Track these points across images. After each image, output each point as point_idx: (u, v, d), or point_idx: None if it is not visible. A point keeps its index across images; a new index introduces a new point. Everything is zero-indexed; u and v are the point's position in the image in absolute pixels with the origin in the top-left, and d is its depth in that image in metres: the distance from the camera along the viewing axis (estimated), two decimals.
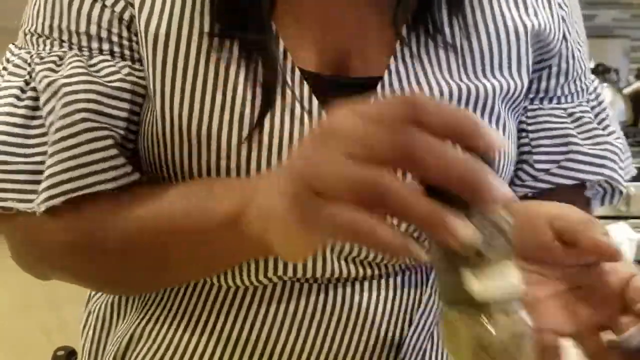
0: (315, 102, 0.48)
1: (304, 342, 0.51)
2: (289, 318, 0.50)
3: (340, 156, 0.31)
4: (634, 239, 1.39)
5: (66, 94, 0.47)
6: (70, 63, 0.48)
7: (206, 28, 0.48)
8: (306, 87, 0.48)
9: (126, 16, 0.49)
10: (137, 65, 0.50)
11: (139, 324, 0.53)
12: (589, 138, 0.58)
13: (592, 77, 0.63)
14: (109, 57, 0.49)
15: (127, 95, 0.49)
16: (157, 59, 0.48)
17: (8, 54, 0.52)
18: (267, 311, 0.50)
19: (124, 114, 0.49)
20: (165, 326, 0.52)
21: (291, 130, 0.47)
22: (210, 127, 0.47)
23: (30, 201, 0.47)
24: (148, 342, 0.52)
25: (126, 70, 0.49)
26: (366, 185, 0.31)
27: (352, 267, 0.50)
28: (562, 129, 0.57)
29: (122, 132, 0.49)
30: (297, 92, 0.48)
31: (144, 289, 0.53)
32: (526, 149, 0.58)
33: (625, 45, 2.10)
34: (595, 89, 0.63)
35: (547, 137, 0.57)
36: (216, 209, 0.43)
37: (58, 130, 0.46)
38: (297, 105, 0.48)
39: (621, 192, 0.60)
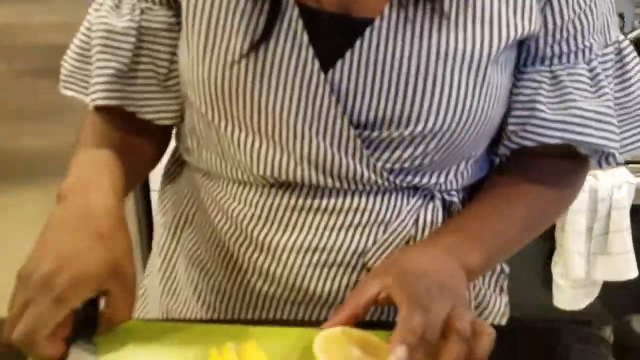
0: (305, 37, 0.56)
1: (281, 236, 0.62)
2: (273, 211, 0.62)
3: None
4: (633, 183, 1.42)
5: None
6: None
7: None
8: (301, 23, 0.56)
9: None
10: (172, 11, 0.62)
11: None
12: (559, 102, 0.59)
13: (614, 34, 0.62)
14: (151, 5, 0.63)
15: (166, 34, 0.63)
16: None
17: None
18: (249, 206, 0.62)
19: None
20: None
21: (281, 60, 0.56)
22: (215, 41, 0.58)
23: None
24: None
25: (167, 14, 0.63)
26: None
27: (329, 179, 0.59)
28: (531, 94, 0.60)
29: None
30: (292, 26, 0.56)
31: None
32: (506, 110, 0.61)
33: None
34: (617, 44, 0.62)
35: (519, 102, 0.61)
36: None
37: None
38: (290, 38, 0.56)
39: (613, 155, 0.61)
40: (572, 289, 1.49)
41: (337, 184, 0.59)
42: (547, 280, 1.53)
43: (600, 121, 0.59)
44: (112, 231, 0.53)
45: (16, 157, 1.55)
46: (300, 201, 0.61)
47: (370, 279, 0.54)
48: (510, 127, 0.61)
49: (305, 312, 0.65)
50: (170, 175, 0.75)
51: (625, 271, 1.43)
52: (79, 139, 0.66)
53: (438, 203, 0.63)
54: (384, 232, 0.61)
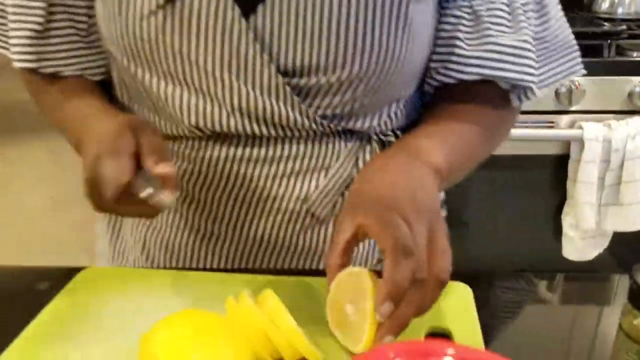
0: None
1: (223, 190, 0.62)
2: (212, 165, 0.62)
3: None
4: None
5: None
6: None
7: None
8: None
9: None
10: None
11: None
12: (477, 38, 0.60)
13: None
14: None
15: None
16: None
17: None
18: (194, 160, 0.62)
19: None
20: None
21: (199, 8, 0.54)
22: None
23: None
24: None
25: None
26: None
27: (264, 128, 0.59)
28: (451, 30, 0.60)
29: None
30: None
31: None
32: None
33: None
34: None
35: (440, 38, 0.61)
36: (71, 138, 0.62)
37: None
38: None
39: (531, 89, 0.62)
40: (581, 240, 1.48)
41: (273, 132, 0.59)
42: (556, 232, 1.52)
43: (517, 56, 0.59)
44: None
45: (21, 110, 1.54)
46: (239, 152, 0.61)
47: (343, 219, 0.51)
48: (432, 64, 0.62)
49: (255, 261, 0.66)
50: None
51: (637, 222, 1.42)
52: (46, 100, 0.68)
53: (375, 145, 0.64)
54: (325, 177, 0.62)
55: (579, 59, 0.68)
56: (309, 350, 0.47)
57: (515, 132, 1.40)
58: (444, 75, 0.62)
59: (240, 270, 0.63)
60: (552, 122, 1.43)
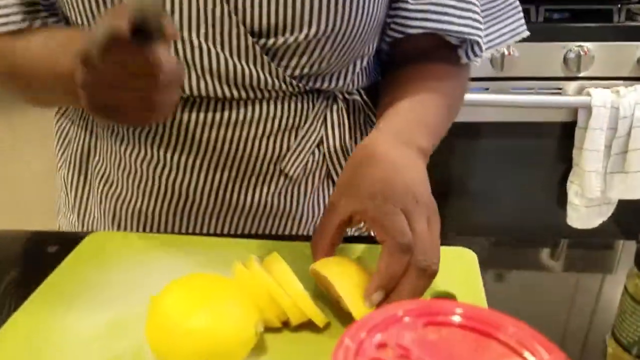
0: None
1: (196, 155, 0.62)
2: (183, 130, 0.61)
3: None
4: None
5: None
6: None
7: None
8: None
9: None
10: None
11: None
12: None
13: None
14: None
15: None
16: None
17: None
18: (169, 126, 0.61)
19: None
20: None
21: None
22: None
23: None
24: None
25: None
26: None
27: (234, 90, 0.59)
28: None
29: None
30: None
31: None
32: None
33: None
34: None
35: None
36: (60, 63, 0.53)
37: None
38: None
39: (478, 44, 0.65)
40: (586, 208, 1.48)
41: (243, 94, 0.60)
42: (561, 200, 1.52)
43: (461, 9, 0.62)
44: None
45: None
46: (209, 116, 0.61)
47: (337, 201, 0.51)
48: (388, 19, 0.65)
49: (231, 225, 0.67)
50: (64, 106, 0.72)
51: None
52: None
53: (341, 104, 0.66)
54: (295, 138, 0.64)
55: (523, 21, 0.71)
56: (315, 313, 0.48)
57: (521, 98, 1.39)
58: (393, 30, 0.65)
59: (216, 235, 0.64)
60: (560, 89, 1.41)
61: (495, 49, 0.69)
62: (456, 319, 0.29)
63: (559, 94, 1.41)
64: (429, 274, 0.46)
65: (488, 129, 1.45)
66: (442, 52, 0.67)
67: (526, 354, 0.27)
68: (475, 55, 0.66)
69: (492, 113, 1.42)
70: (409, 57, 0.67)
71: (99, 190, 0.69)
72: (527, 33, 0.70)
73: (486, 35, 0.66)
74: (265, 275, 0.48)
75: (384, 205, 0.48)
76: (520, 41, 0.71)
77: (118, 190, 0.67)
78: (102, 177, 0.68)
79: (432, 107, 0.62)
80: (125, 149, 0.65)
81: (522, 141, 1.47)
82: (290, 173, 0.65)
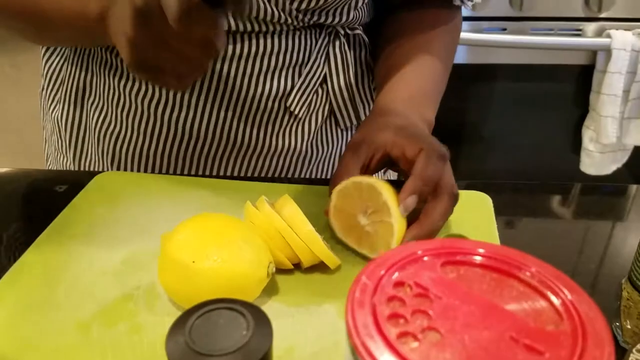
0: None
1: (200, 91, 0.61)
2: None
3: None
4: None
5: None
6: None
7: None
8: None
9: None
10: None
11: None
12: None
13: None
14: None
15: None
16: None
17: None
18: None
19: None
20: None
21: None
22: None
23: None
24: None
25: None
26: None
27: (240, 23, 0.59)
28: None
29: None
30: None
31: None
32: None
33: None
34: None
35: None
36: (90, 8, 0.50)
37: None
38: None
39: None
40: (600, 154, 1.45)
41: (249, 27, 0.60)
42: (575, 146, 1.50)
43: None
44: None
45: None
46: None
47: (360, 141, 0.52)
48: None
49: (235, 165, 0.66)
50: None
51: None
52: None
53: (343, 40, 0.67)
54: (299, 75, 0.65)
55: None
56: (327, 255, 0.47)
57: (539, 39, 1.35)
58: None
59: (220, 177, 0.63)
60: (579, 30, 1.37)
61: None
62: (476, 258, 0.28)
63: (579, 35, 1.36)
64: (456, 199, 0.48)
65: (504, 72, 1.41)
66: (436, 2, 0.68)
67: (548, 294, 0.26)
68: (466, 5, 0.68)
69: (508, 55, 1.37)
70: (405, 1, 0.68)
71: (96, 130, 0.67)
72: None
73: None
74: (276, 217, 0.48)
75: (411, 135, 0.50)
76: None
77: (117, 130, 0.66)
78: (99, 116, 0.67)
79: (431, 75, 0.64)
80: (125, 85, 0.63)
81: (538, 85, 1.44)
82: (296, 111, 0.66)
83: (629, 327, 0.44)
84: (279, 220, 0.47)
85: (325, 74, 0.67)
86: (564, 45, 1.35)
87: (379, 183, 0.48)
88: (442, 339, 0.23)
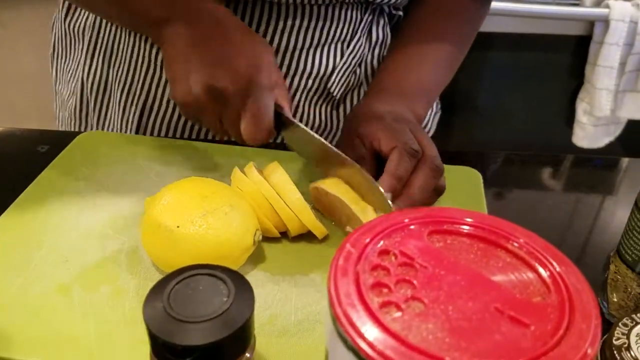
0: None
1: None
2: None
3: None
4: None
5: None
6: None
7: None
8: None
9: None
10: None
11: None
12: None
13: None
14: None
15: None
16: None
17: None
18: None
19: None
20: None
21: None
22: None
23: None
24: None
25: None
26: None
27: None
28: None
29: None
30: None
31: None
32: None
33: None
34: None
35: None
36: (149, 10, 0.51)
37: None
38: None
39: None
40: (594, 127, 1.45)
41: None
42: (569, 118, 1.49)
43: None
44: (246, 30, 0.51)
45: None
46: (264, 21, 0.59)
47: (351, 136, 0.52)
48: None
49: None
50: None
51: None
52: None
53: (386, 18, 0.67)
54: (341, 54, 0.64)
55: None
56: (315, 224, 0.47)
57: (537, 8, 1.32)
58: None
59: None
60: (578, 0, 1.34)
61: None
62: (464, 227, 0.27)
63: (577, 4, 1.34)
64: (440, 171, 0.48)
65: (499, 40, 1.39)
66: None
67: (536, 265, 0.25)
68: None
69: (504, 23, 1.35)
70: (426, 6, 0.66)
71: (121, 102, 0.66)
72: None
73: None
74: (265, 184, 0.47)
75: (393, 123, 0.51)
76: None
77: (142, 98, 0.64)
78: (124, 84, 0.65)
79: (433, 70, 0.63)
80: (151, 51, 0.62)
81: (534, 55, 1.42)
82: (334, 91, 0.66)
83: (615, 300, 0.44)
84: (267, 187, 0.46)
85: (364, 55, 0.66)
86: (561, 14, 1.33)
87: (344, 195, 0.47)
88: (426, 309, 0.23)
